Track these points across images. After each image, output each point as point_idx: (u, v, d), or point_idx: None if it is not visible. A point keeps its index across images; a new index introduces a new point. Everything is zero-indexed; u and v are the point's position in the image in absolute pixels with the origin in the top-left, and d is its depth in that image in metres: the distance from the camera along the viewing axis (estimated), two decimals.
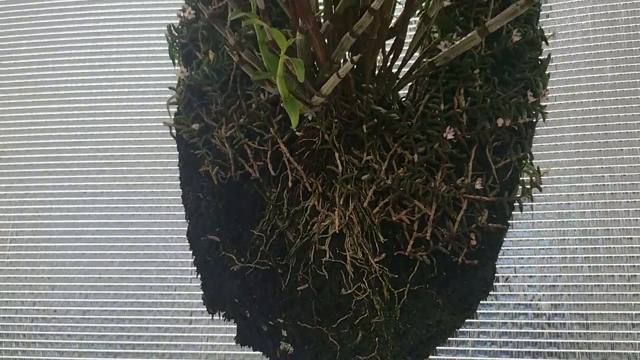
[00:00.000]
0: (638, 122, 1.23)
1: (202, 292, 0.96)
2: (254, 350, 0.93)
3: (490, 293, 0.89)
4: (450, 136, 0.82)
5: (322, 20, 0.85)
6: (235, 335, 0.94)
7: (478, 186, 0.81)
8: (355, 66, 0.82)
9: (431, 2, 0.80)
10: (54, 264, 1.15)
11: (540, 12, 0.95)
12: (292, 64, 0.71)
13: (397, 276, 0.82)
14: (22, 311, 1.12)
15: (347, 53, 0.78)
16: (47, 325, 1.09)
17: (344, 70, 0.70)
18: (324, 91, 0.75)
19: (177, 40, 0.99)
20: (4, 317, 1.12)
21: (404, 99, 0.94)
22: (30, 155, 1.26)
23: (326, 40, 0.79)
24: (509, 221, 0.85)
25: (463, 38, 0.78)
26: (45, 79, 1.33)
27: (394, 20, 0.86)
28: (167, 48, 0.99)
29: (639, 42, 1.27)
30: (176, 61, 1.00)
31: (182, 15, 0.99)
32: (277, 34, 0.65)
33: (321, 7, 0.85)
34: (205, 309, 0.96)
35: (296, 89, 0.78)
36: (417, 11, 0.89)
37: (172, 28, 0.99)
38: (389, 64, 0.85)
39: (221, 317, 0.92)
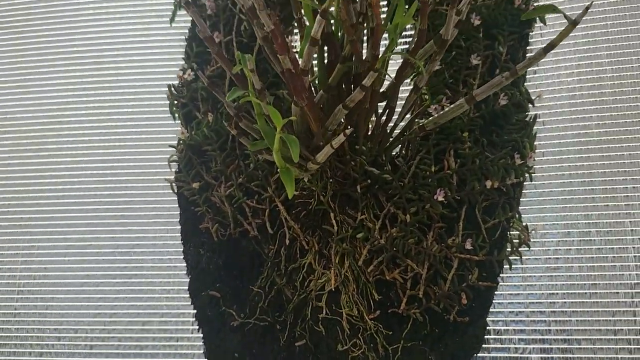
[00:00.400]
0: (623, 177, 1.27)
1: (202, 344, 0.98)
2: None
3: (481, 347, 0.91)
4: (440, 198, 0.85)
5: (316, 84, 0.88)
6: None
7: (468, 246, 0.84)
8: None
9: (420, 69, 0.83)
10: (60, 315, 1.17)
11: (527, 71, 0.98)
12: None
13: (391, 333, 0.85)
14: None
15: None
16: None
17: (337, 142, 0.74)
18: (319, 159, 0.78)
19: (177, 100, 1.02)
20: None
21: (396, 155, 0.97)
22: (37, 208, 1.29)
23: (321, 106, 0.82)
24: (498, 278, 0.87)
25: (452, 105, 0.82)
26: (49, 132, 1.36)
27: (386, 83, 0.89)
28: (168, 104, 1.03)
29: (624, 99, 1.31)
30: (176, 115, 1.03)
31: (181, 76, 1.02)
32: (272, 112, 0.69)
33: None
34: None
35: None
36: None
37: (172, 88, 1.02)
38: (381, 126, 0.89)
39: None
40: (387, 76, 0.90)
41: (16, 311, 1.19)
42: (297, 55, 0.73)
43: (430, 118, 0.86)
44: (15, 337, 1.18)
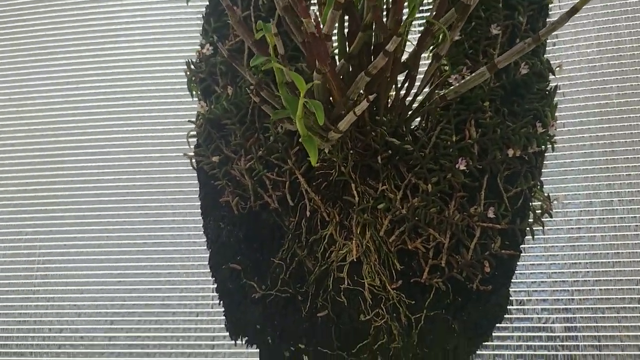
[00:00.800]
0: None
1: (223, 318, 0.99)
2: None
3: (504, 317, 0.91)
4: (462, 167, 0.85)
5: (336, 58, 0.88)
6: None
7: (491, 214, 0.84)
8: None
9: (441, 38, 0.83)
10: (79, 292, 1.18)
11: (547, 41, 0.98)
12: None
13: (413, 302, 0.85)
14: (49, 338, 1.15)
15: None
16: (75, 351, 1.12)
17: (360, 109, 0.74)
18: (341, 127, 0.78)
19: (195, 75, 1.02)
20: (32, 344, 1.15)
21: (416, 128, 0.97)
22: (57, 186, 1.30)
23: (341, 77, 0.82)
24: (521, 247, 0.87)
25: (473, 74, 0.81)
26: (68, 111, 1.36)
27: (405, 55, 0.89)
28: (186, 82, 1.03)
29: None
30: (194, 93, 1.03)
31: (200, 51, 1.02)
32: (296, 78, 0.69)
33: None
34: (228, 334, 0.99)
35: (313, 125, 0.81)
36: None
37: (190, 63, 1.02)
38: (401, 97, 0.89)
39: (243, 343, 0.95)
40: (407, 47, 0.89)
41: (35, 288, 1.20)
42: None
43: (451, 87, 0.86)
44: (35, 313, 1.18)
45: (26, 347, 1.16)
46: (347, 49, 0.84)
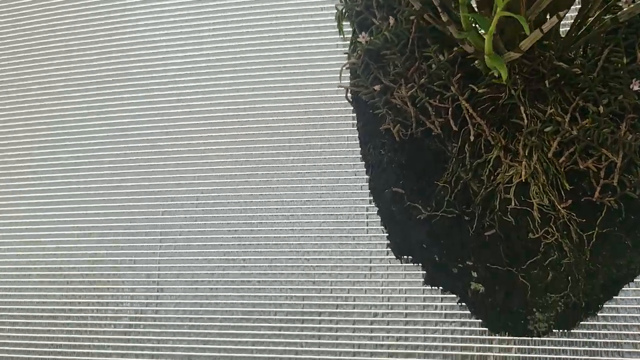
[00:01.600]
0: None
1: (378, 242, 1.04)
2: (443, 291, 1.00)
3: None
4: (636, 87, 0.86)
5: None
6: (423, 279, 1.01)
7: None
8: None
9: None
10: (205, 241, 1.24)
11: None
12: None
13: (584, 220, 0.87)
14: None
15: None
16: (203, 281, 1.19)
17: (547, 26, 0.76)
18: (523, 47, 0.80)
19: (350, 9, 1.06)
20: (154, 266, 1.21)
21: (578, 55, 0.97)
22: (198, 122, 1.31)
23: None
24: None
25: None
26: (177, 55, 1.37)
27: None
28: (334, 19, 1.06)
29: None
30: (344, 29, 1.07)
31: None
32: None
33: None
34: (385, 256, 1.05)
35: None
36: None
37: None
38: (577, 21, 0.90)
39: (409, 262, 1.00)
40: None
41: (161, 215, 1.26)
42: None
43: (625, 9, 0.87)
44: (158, 239, 1.24)
45: (140, 270, 1.24)
46: None
